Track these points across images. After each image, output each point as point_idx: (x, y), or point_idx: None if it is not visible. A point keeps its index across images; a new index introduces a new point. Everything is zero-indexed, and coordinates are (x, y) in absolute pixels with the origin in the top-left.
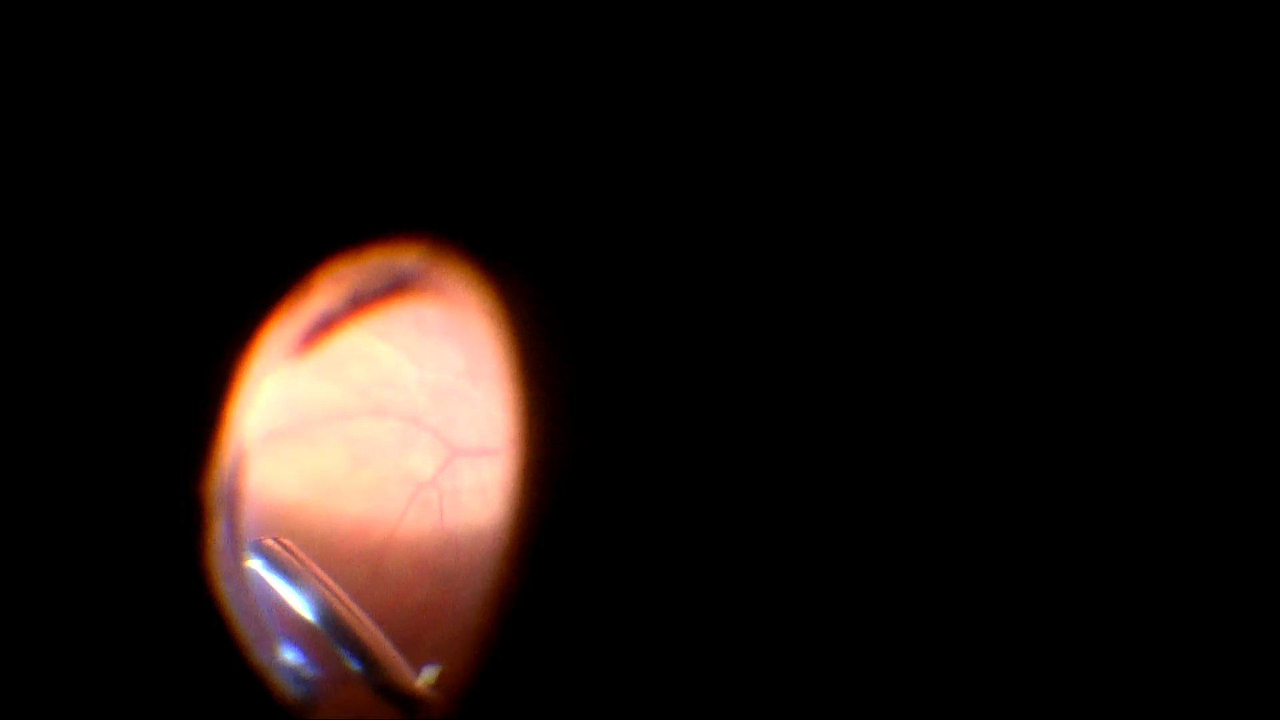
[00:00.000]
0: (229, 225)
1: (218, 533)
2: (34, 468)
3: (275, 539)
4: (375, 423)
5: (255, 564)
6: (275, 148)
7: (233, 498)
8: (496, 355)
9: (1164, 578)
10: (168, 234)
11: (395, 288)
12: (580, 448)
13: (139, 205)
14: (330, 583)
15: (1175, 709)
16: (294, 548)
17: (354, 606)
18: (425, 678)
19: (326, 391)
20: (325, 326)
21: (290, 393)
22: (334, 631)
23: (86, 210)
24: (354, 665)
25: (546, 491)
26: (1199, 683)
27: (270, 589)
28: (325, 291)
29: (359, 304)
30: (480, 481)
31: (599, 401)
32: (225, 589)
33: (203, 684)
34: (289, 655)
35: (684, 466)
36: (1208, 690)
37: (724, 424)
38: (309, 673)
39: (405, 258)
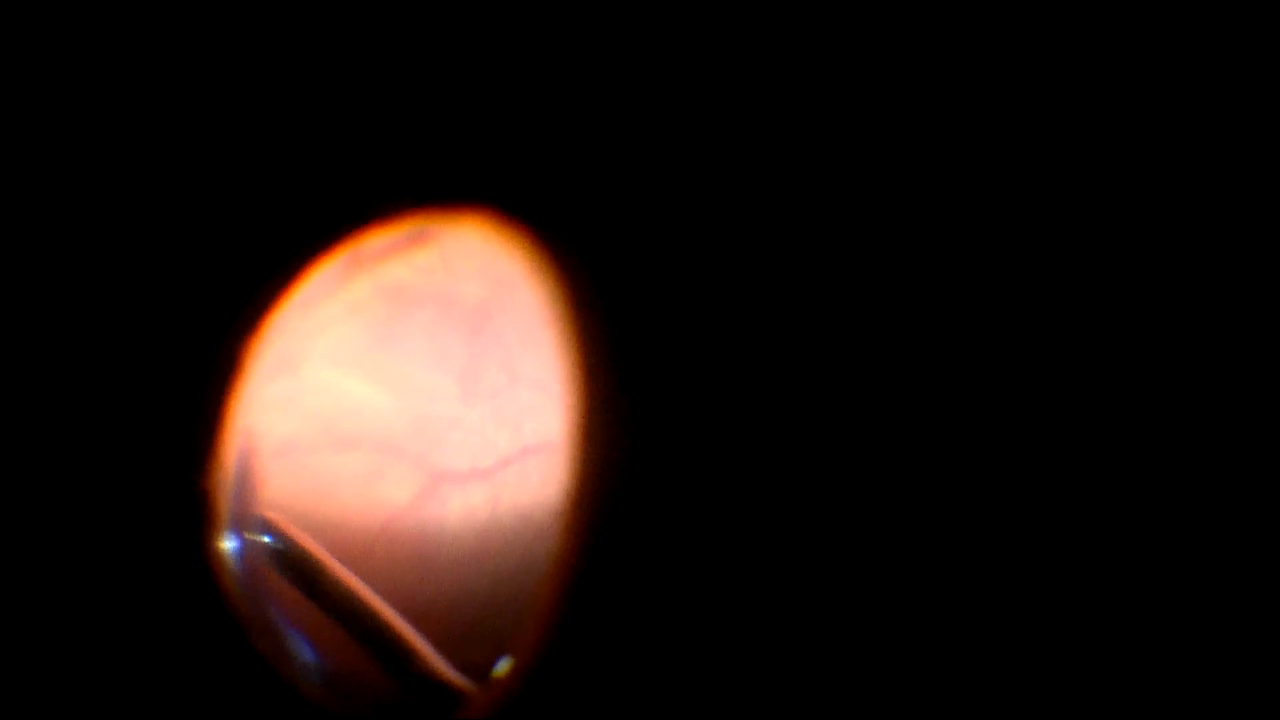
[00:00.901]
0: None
1: (226, 526)
2: (35, 467)
3: (274, 521)
4: (340, 455)
5: (254, 547)
6: (292, 121)
7: (242, 489)
8: (524, 351)
9: (1168, 578)
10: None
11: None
12: (637, 445)
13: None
14: (341, 569)
15: (1176, 709)
16: (295, 531)
17: (369, 594)
18: (497, 669)
19: (288, 426)
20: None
21: (253, 425)
22: (347, 620)
23: (91, 199)
24: (375, 657)
25: (599, 493)
26: (1199, 683)
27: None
28: (342, 268)
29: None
30: (469, 506)
31: (657, 395)
32: (235, 584)
33: (217, 681)
34: (305, 650)
35: (747, 468)
36: (1208, 690)
37: (791, 420)
38: (326, 668)
39: (431, 232)
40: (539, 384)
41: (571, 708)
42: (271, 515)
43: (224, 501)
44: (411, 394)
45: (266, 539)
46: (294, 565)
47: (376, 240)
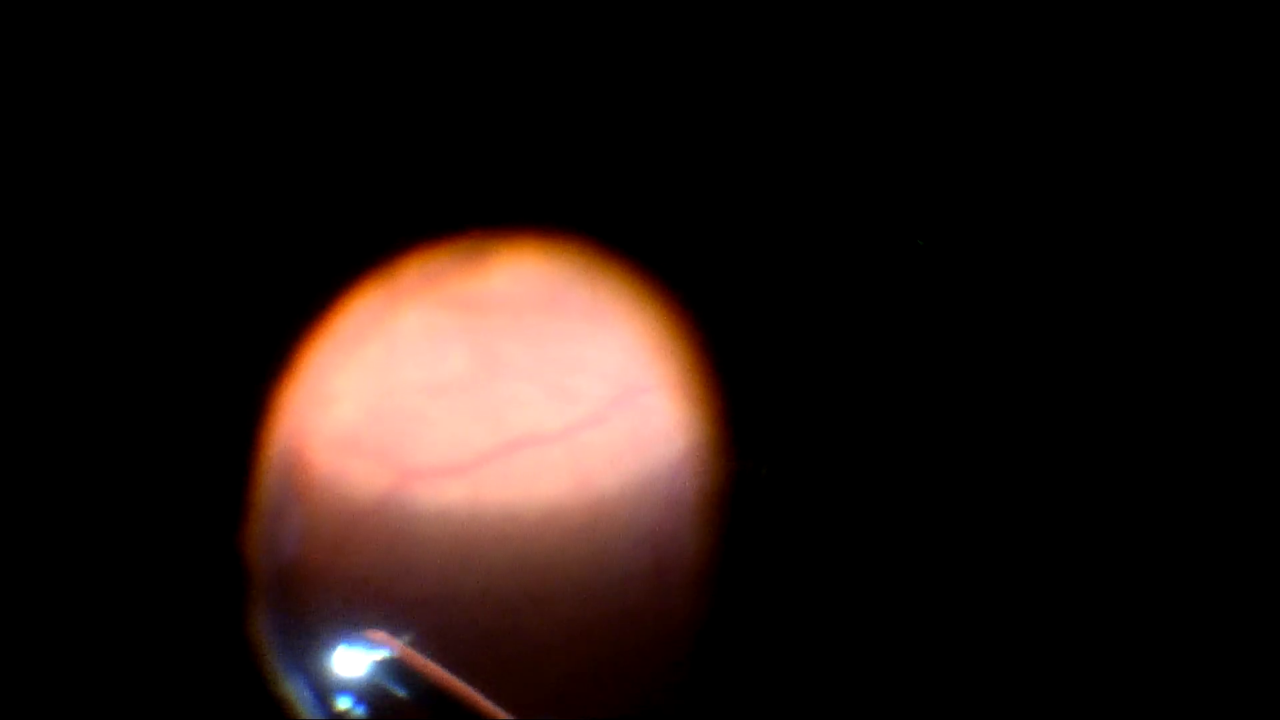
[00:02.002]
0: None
1: (263, 585)
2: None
3: (384, 635)
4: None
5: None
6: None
7: (279, 546)
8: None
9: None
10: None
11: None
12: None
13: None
14: (459, 684)
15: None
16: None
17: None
18: None
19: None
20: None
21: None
22: None
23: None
24: None
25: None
26: (1200, 683)
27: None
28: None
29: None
30: (445, 503)
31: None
32: (269, 645)
33: None
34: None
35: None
36: (1208, 690)
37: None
38: None
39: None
40: (527, 374)
41: None
42: (379, 633)
43: (263, 579)
44: (372, 383)
45: (378, 651)
46: (412, 679)
47: (425, 263)
